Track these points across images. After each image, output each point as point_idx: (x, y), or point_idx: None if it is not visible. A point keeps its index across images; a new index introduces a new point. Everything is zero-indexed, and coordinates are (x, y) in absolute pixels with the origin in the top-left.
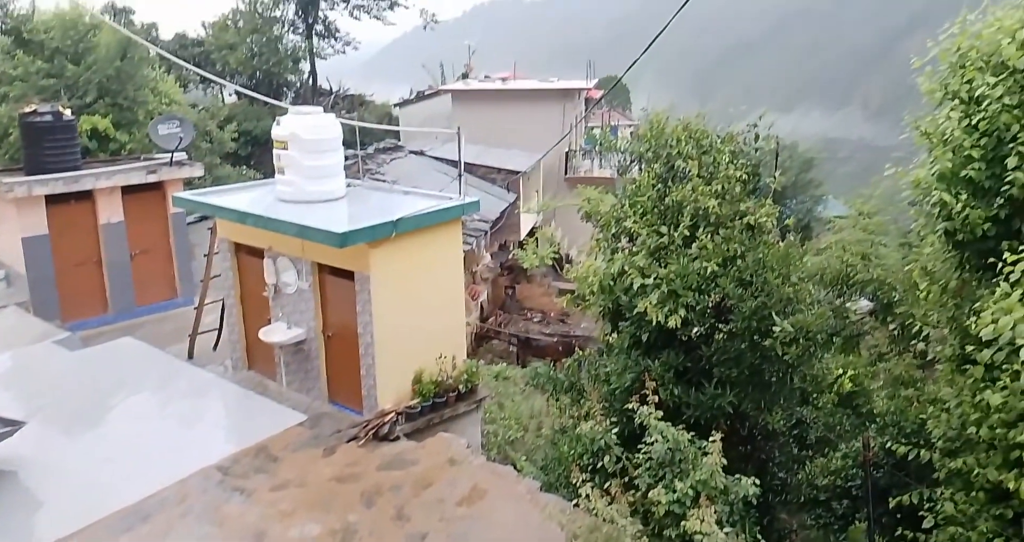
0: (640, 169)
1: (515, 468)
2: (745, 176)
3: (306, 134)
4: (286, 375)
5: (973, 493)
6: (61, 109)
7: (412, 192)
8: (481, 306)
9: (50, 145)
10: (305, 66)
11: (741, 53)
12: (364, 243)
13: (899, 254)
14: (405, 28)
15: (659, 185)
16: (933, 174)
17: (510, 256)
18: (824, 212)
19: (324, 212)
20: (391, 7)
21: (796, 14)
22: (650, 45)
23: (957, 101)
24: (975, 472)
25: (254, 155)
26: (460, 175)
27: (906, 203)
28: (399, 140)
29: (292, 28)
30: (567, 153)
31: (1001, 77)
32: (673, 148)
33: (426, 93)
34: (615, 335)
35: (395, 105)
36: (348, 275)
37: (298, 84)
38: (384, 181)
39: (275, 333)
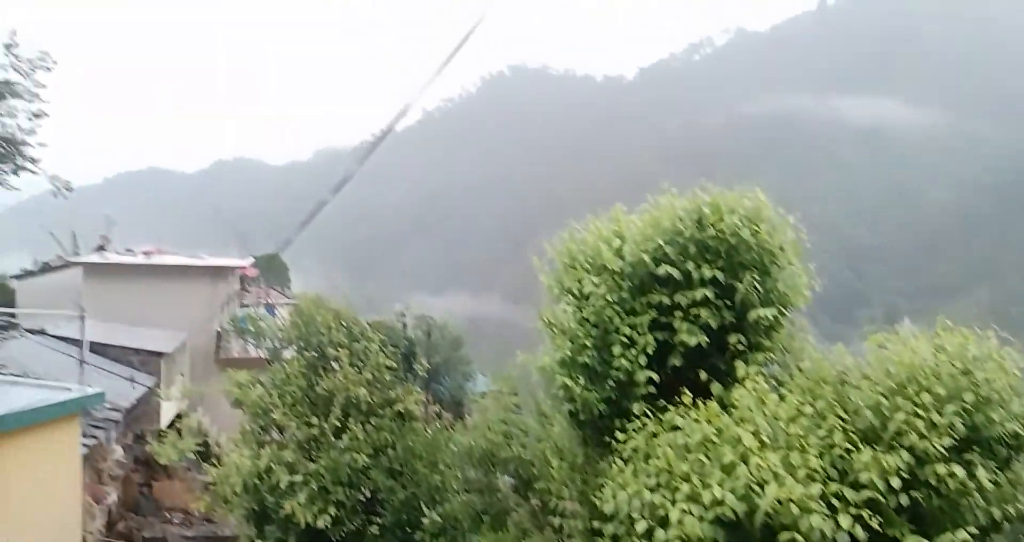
0: (293, 352)
1: None
2: (395, 363)
3: None
4: None
5: None
6: None
7: (19, 382)
8: (109, 509)
9: None
10: None
11: (395, 241)
12: None
13: (539, 430)
14: (32, 191)
15: (309, 373)
16: (556, 361)
17: (147, 449)
18: (474, 388)
19: None
20: (15, 171)
21: (442, 211)
22: (302, 227)
23: (571, 296)
24: None
25: None
26: (82, 362)
27: (539, 379)
28: (14, 317)
29: None
30: (219, 332)
31: (602, 276)
32: (324, 335)
33: (53, 265)
34: (261, 541)
35: (12, 277)
36: None
37: None
38: None
39: None
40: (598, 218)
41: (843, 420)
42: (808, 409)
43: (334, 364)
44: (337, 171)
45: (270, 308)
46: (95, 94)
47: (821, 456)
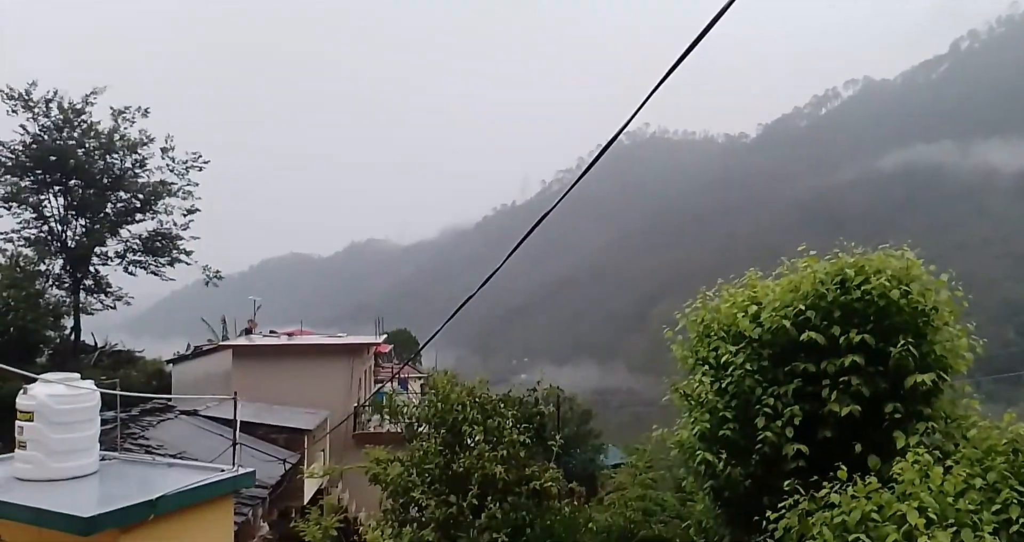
0: (428, 429)
1: None
2: (528, 440)
3: (56, 404)
4: None
5: None
6: None
7: (177, 464)
8: None
9: None
10: (68, 322)
11: (517, 316)
12: (115, 528)
13: (679, 507)
14: (185, 281)
15: (446, 451)
16: (695, 434)
17: (292, 526)
18: (606, 461)
19: (69, 493)
20: (171, 263)
21: (560, 285)
22: (451, 317)
23: (707, 367)
24: None
25: None
26: (235, 444)
27: (677, 454)
28: (170, 400)
29: (57, 282)
30: (356, 408)
31: (741, 346)
32: (459, 413)
33: (204, 349)
34: None
35: (168, 362)
36: None
37: (58, 340)
38: (149, 447)
39: None
40: (730, 285)
41: (1019, 493)
42: (978, 482)
43: (469, 441)
44: (462, 247)
45: (403, 383)
46: (240, 186)
47: (996, 534)
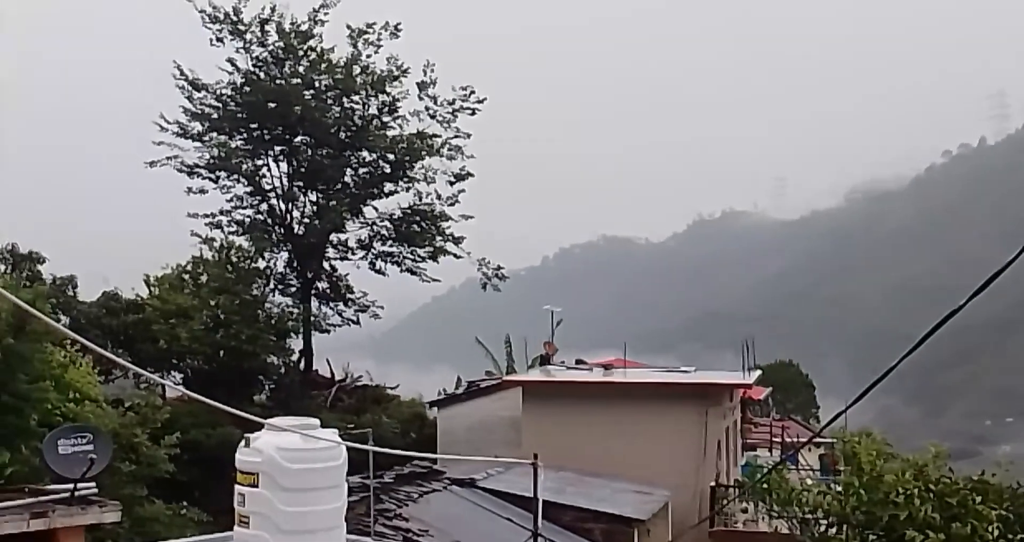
0: (845, 533)
1: None
2: None
3: (290, 462)
4: None
5: None
6: None
7: None
8: None
9: None
10: (295, 342)
11: (992, 338)
12: None
13: None
14: (451, 282)
15: None
16: None
17: None
18: None
19: None
20: (434, 256)
21: None
22: (913, 349)
23: None
24: None
25: (201, 482)
26: (536, 535)
27: None
28: (435, 463)
29: (280, 286)
30: (713, 489)
31: None
32: (900, 508)
33: (482, 386)
34: None
35: (431, 404)
36: None
37: (282, 369)
38: (408, 532)
39: None
40: None
41: None
42: None
43: None
44: (885, 220)
45: (789, 451)
46: (528, 137)
47: None
